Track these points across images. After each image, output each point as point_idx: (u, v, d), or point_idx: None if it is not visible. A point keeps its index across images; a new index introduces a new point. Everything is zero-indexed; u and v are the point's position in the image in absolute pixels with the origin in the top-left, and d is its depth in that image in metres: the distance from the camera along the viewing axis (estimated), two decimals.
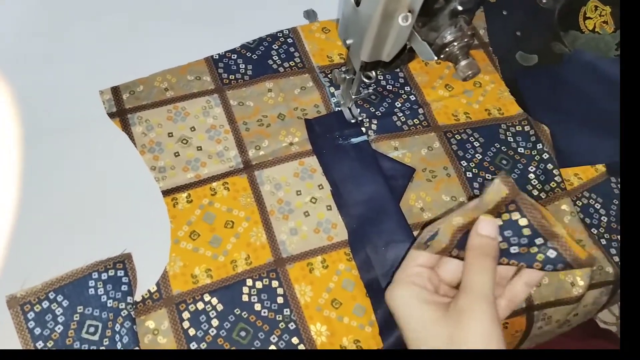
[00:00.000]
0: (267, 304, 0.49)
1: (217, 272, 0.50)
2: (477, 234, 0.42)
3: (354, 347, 0.48)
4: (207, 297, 0.49)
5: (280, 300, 0.49)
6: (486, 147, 0.58)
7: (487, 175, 0.57)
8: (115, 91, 0.57)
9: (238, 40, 0.62)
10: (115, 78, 0.58)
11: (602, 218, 0.56)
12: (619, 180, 0.58)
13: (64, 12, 0.62)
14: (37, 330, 0.45)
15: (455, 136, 0.58)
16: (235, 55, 0.61)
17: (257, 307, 0.49)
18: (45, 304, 0.46)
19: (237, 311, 0.48)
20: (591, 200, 0.57)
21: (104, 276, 0.48)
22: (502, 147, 0.58)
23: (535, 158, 0.58)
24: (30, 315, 0.46)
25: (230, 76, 0.59)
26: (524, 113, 0.60)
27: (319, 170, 0.55)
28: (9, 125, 0.55)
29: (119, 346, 0.45)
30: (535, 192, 0.56)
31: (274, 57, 0.61)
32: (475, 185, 0.56)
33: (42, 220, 0.51)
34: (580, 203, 0.56)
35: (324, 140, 0.56)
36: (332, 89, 0.60)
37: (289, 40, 0.62)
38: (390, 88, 0.61)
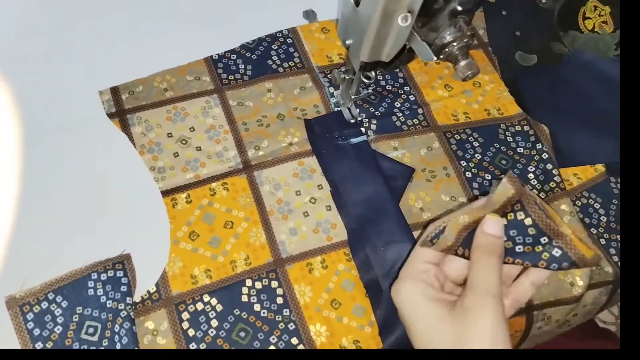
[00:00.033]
0: (266, 304, 0.49)
1: (217, 273, 0.50)
2: (483, 232, 0.42)
3: (353, 348, 0.48)
4: (206, 298, 0.49)
5: (279, 300, 0.49)
6: (485, 147, 0.58)
7: (486, 175, 0.57)
8: (115, 91, 0.57)
9: (237, 40, 0.61)
10: (115, 78, 0.58)
11: (601, 218, 0.56)
12: (619, 180, 0.58)
13: (64, 12, 0.62)
14: (37, 331, 0.45)
15: (455, 136, 0.58)
16: (235, 56, 0.61)
17: (257, 307, 0.49)
18: (45, 305, 0.46)
19: (237, 311, 0.48)
20: (590, 200, 0.57)
21: (103, 277, 0.48)
22: (502, 147, 0.58)
23: (535, 158, 0.58)
24: (30, 316, 0.45)
25: (230, 76, 0.59)
26: (523, 113, 0.60)
27: (318, 170, 0.55)
28: (9, 125, 0.55)
29: (118, 347, 0.45)
30: (535, 192, 0.56)
31: (273, 57, 0.61)
32: (475, 185, 0.56)
33: (41, 221, 0.51)
34: (580, 203, 0.56)
35: (324, 140, 0.56)
36: (331, 89, 0.59)
37: (289, 41, 0.62)
38: (390, 88, 0.61)
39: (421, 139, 0.58)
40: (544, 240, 0.42)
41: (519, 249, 0.42)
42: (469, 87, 0.61)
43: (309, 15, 0.64)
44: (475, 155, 0.57)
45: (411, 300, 0.42)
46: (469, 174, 0.56)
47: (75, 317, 0.46)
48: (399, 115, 0.59)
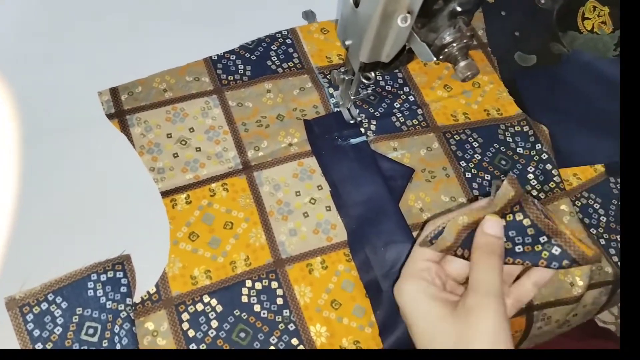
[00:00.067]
0: (266, 305, 0.49)
1: (217, 273, 0.50)
2: (483, 233, 0.42)
3: (353, 348, 0.48)
4: (206, 298, 0.48)
5: (279, 301, 0.49)
6: (485, 147, 0.58)
7: (486, 175, 0.57)
8: (114, 92, 0.57)
9: (237, 40, 0.61)
10: (115, 78, 0.58)
11: (601, 218, 0.56)
12: (618, 180, 0.58)
13: (64, 12, 0.62)
14: (36, 332, 0.45)
15: (454, 136, 0.58)
16: (234, 56, 0.61)
17: (257, 308, 0.49)
18: (44, 306, 0.46)
19: (237, 312, 0.48)
20: (590, 200, 0.57)
21: (103, 277, 0.48)
22: (501, 148, 0.58)
23: (534, 158, 0.58)
24: (29, 317, 0.45)
25: (229, 77, 0.59)
26: (522, 113, 0.60)
27: (318, 171, 0.55)
28: (9, 125, 0.55)
29: (118, 348, 0.45)
30: (535, 193, 0.56)
31: (272, 58, 0.61)
32: (475, 185, 0.56)
33: (41, 222, 0.51)
34: (579, 203, 0.57)
35: (323, 141, 0.56)
36: (331, 90, 0.59)
37: (288, 41, 0.62)
38: (389, 89, 0.61)
39: (421, 139, 0.58)
40: (543, 239, 0.42)
41: (519, 249, 0.43)
42: (468, 87, 0.61)
43: (308, 15, 0.64)
44: (475, 156, 0.57)
45: (412, 298, 0.42)
46: (468, 175, 0.56)
47: (75, 318, 0.46)
48: (398, 116, 0.59)
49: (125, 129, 0.55)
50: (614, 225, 0.56)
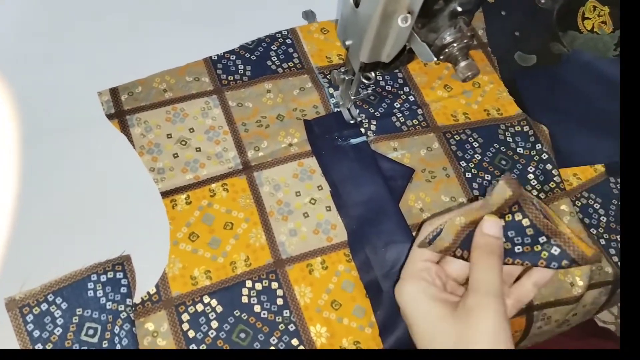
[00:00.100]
0: (266, 305, 0.49)
1: (217, 274, 0.50)
2: (482, 233, 0.42)
3: (353, 349, 0.48)
4: (206, 299, 0.48)
5: (279, 301, 0.49)
6: (485, 147, 0.58)
7: (486, 175, 0.57)
8: (114, 92, 0.57)
9: (237, 41, 0.61)
10: (115, 78, 0.57)
11: (601, 218, 0.56)
12: (618, 180, 0.58)
13: (64, 12, 0.62)
14: (36, 333, 0.45)
15: (455, 137, 0.58)
16: (234, 56, 0.61)
17: (257, 308, 0.49)
18: (44, 307, 0.46)
19: (237, 313, 0.48)
20: (590, 200, 0.57)
21: (103, 278, 0.47)
22: (501, 148, 0.58)
23: (535, 158, 0.58)
24: (29, 317, 0.45)
25: (229, 77, 0.59)
26: (522, 113, 0.60)
27: (318, 171, 0.55)
28: (9, 125, 0.55)
29: (118, 348, 0.45)
30: (535, 193, 0.56)
31: (272, 58, 0.61)
32: (475, 185, 0.56)
33: (41, 222, 0.50)
34: (580, 203, 0.57)
35: (323, 141, 0.56)
36: (331, 90, 0.59)
37: (288, 41, 0.62)
38: (389, 89, 0.61)
39: (421, 139, 0.58)
40: (542, 239, 0.42)
41: (518, 249, 0.43)
42: (468, 87, 0.61)
43: (308, 15, 0.64)
44: (475, 156, 0.57)
45: (413, 299, 0.42)
46: (468, 175, 0.56)
47: (75, 319, 0.46)
48: (398, 116, 0.59)
49: (125, 129, 0.55)
50: (614, 225, 0.56)
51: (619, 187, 0.58)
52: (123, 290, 0.47)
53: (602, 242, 0.55)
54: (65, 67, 0.58)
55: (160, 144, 0.55)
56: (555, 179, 0.57)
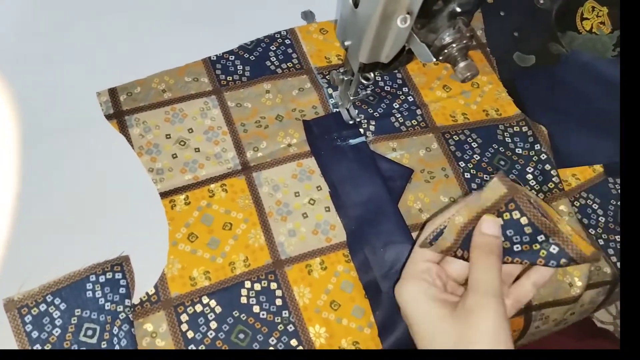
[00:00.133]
0: (265, 305, 0.49)
1: (216, 274, 0.49)
2: (481, 233, 0.42)
3: (352, 349, 0.48)
4: (205, 300, 0.48)
5: (279, 302, 0.49)
6: (484, 147, 0.58)
7: (485, 176, 0.57)
8: (113, 93, 0.57)
9: (235, 41, 0.61)
10: (115, 78, 0.57)
11: (599, 218, 0.56)
12: (617, 180, 0.58)
13: (64, 12, 0.62)
14: (35, 334, 0.45)
15: (453, 137, 0.58)
16: (233, 57, 0.60)
17: (256, 309, 0.49)
18: (43, 307, 0.46)
19: (236, 313, 0.48)
20: (589, 200, 0.57)
21: (102, 279, 0.47)
22: (500, 148, 0.58)
23: (533, 159, 0.58)
24: (28, 318, 0.45)
25: (228, 77, 0.59)
26: (521, 114, 0.60)
27: (317, 171, 0.55)
28: (9, 125, 0.54)
29: (117, 349, 0.45)
30: (533, 193, 0.56)
31: (271, 58, 0.61)
32: (474, 186, 0.56)
33: (39, 223, 0.50)
34: (578, 204, 0.57)
35: (322, 141, 0.56)
36: (330, 90, 0.59)
37: (287, 42, 0.62)
38: (388, 89, 0.61)
39: (420, 139, 0.58)
40: (541, 238, 0.42)
41: (517, 248, 0.43)
42: (467, 88, 0.61)
43: (307, 16, 0.64)
44: (474, 156, 0.57)
45: (413, 299, 0.42)
46: (467, 175, 0.56)
47: (74, 320, 0.46)
48: (397, 116, 0.59)
49: (124, 129, 0.55)
50: (612, 225, 0.56)
51: (617, 188, 0.58)
52: (122, 290, 0.47)
53: (601, 242, 0.55)
54: (65, 67, 0.58)
55: (159, 144, 0.55)
56: (554, 179, 0.57)
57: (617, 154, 0.56)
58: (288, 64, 0.61)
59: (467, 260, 0.43)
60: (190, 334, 0.47)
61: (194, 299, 0.48)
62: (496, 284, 0.40)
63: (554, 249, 0.42)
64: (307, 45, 0.62)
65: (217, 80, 0.59)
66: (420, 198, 0.55)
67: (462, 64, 0.46)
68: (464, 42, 0.46)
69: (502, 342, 0.38)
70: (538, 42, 0.63)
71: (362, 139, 0.56)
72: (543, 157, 0.58)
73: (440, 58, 0.48)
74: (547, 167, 0.57)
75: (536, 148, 0.58)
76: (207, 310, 0.48)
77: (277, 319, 0.48)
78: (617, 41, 0.59)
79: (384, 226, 0.52)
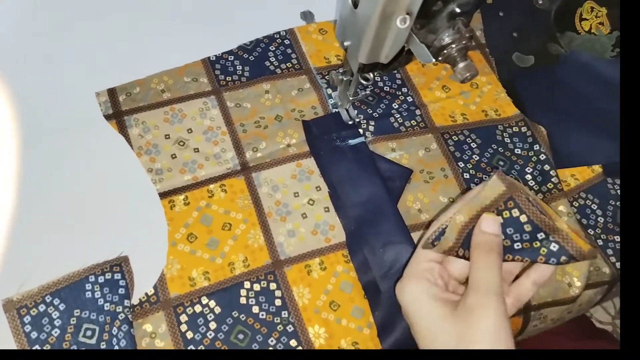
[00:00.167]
0: (265, 306, 0.49)
1: (215, 275, 0.49)
2: (481, 231, 0.42)
3: (352, 349, 0.48)
4: (204, 300, 0.48)
5: (278, 302, 0.49)
6: (483, 148, 0.58)
7: (484, 176, 0.57)
8: (112, 93, 0.57)
9: (235, 41, 0.61)
10: (115, 78, 0.57)
11: (598, 219, 0.56)
12: (616, 181, 0.58)
13: (64, 12, 0.62)
14: (34, 334, 0.45)
15: (453, 137, 0.58)
16: (232, 57, 0.60)
17: (255, 309, 0.49)
18: (42, 308, 0.46)
19: (235, 314, 0.48)
20: (588, 201, 0.57)
21: (101, 279, 0.47)
22: (499, 148, 0.58)
23: (532, 159, 0.58)
24: (27, 319, 0.45)
25: (227, 78, 0.59)
26: (520, 114, 0.61)
27: (316, 171, 0.55)
28: (9, 125, 0.54)
29: (116, 350, 0.45)
30: (533, 193, 0.56)
31: (271, 59, 0.61)
32: (473, 186, 0.56)
33: (39, 223, 0.50)
34: (577, 204, 0.57)
35: (322, 141, 0.56)
36: (329, 91, 0.59)
37: (286, 42, 0.62)
38: (388, 89, 0.61)
39: (419, 140, 0.58)
40: (541, 235, 0.42)
41: (517, 246, 0.43)
42: (466, 88, 0.61)
43: (307, 16, 0.64)
44: (473, 157, 0.57)
45: (415, 298, 0.42)
46: (466, 175, 0.56)
47: (73, 320, 0.46)
48: (396, 117, 0.59)
49: (123, 129, 0.55)
50: (611, 225, 0.56)
51: (616, 188, 0.58)
52: (121, 291, 0.47)
53: (600, 242, 0.55)
54: (65, 67, 0.58)
55: (158, 144, 0.55)
56: (553, 179, 0.57)
57: (616, 155, 0.57)
58: (287, 64, 0.61)
59: (467, 259, 0.43)
60: (189, 335, 0.47)
61: (193, 300, 0.48)
62: (497, 283, 0.40)
63: (554, 247, 0.42)
64: (306, 46, 0.62)
65: (216, 81, 0.59)
66: (419, 198, 0.55)
67: (461, 65, 0.47)
68: (464, 42, 0.46)
69: (502, 341, 0.38)
70: (537, 43, 0.63)
71: (362, 139, 0.56)
72: (542, 157, 0.58)
73: (440, 58, 0.48)
74: (546, 167, 0.57)
75: (535, 148, 0.58)
76: (206, 310, 0.48)
77: (277, 320, 0.48)
78: (616, 42, 0.59)
79: (383, 226, 0.52)
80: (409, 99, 0.60)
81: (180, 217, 0.51)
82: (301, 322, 0.48)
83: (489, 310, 0.39)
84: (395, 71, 0.61)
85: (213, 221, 0.52)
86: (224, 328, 0.48)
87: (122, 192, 0.52)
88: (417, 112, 0.59)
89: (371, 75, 0.52)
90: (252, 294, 0.49)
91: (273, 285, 0.50)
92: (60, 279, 0.47)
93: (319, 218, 0.53)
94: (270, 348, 0.47)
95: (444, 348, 0.40)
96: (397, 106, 0.60)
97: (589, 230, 0.55)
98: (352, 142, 0.56)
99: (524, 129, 0.60)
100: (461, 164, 0.57)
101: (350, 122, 0.58)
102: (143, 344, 0.46)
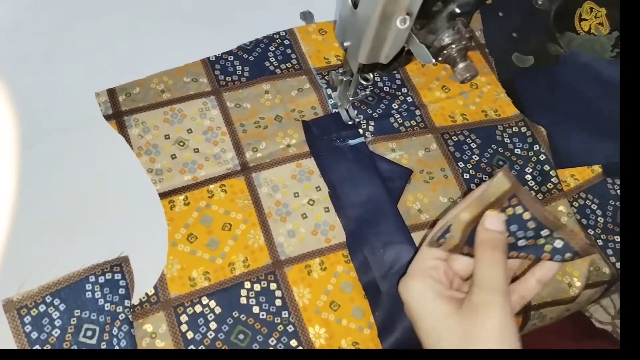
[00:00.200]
0: (265, 306, 0.49)
1: (215, 275, 0.49)
2: (485, 228, 0.42)
3: (352, 349, 0.48)
4: (205, 300, 0.48)
5: (278, 302, 0.49)
6: (483, 148, 0.58)
7: (484, 176, 0.57)
8: (111, 93, 0.57)
9: (234, 41, 0.61)
10: (115, 78, 0.57)
11: (598, 219, 0.56)
12: (615, 181, 0.58)
13: (64, 12, 0.62)
14: (34, 335, 0.45)
15: (452, 137, 0.58)
16: (232, 57, 0.60)
17: (256, 309, 0.49)
18: (42, 308, 0.46)
19: (236, 314, 0.48)
20: (587, 201, 0.57)
21: (101, 279, 0.47)
22: (499, 149, 0.58)
23: (532, 159, 0.58)
24: (27, 319, 0.45)
25: (227, 78, 0.59)
26: (520, 114, 0.61)
27: (316, 172, 0.55)
28: (9, 125, 0.54)
29: (116, 350, 0.45)
30: (532, 194, 0.56)
31: (270, 59, 0.61)
32: (473, 186, 0.56)
33: (38, 223, 0.50)
34: (577, 204, 0.57)
35: (322, 142, 0.56)
36: (329, 91, 0.59)
37: (286, 42, 0.62)
38: (387, 90, 0.61)
39: (419, 140, 0.58)
40: (545, 232, 0.42)
41: (522, 243, 0.43)
42: (466, 88, 0.62)
43: (306, 16, 0.64)
44: (473, 157, 0.58)
45: (419, 296, 0.42)
46: (466, 176, 0.56)
47: (73, 320, 0.46)
48: (396, 117, 0.59)
49: (122, 130, 0.55)
50: (611, 225, 0.56)
51: (616, 188, 0.58)
52: (121, 291, 0.47)
53: (600, 242, 0.55)
54: (65, 67, 0.58)
55: (158, 144, 0.55)
56: (552, 179, 0.57)
57: (616, 155, 0.57)
58: (287, 64, 0.61)
59: (472, 256, 0.43)
60: (190, 335, 0.47)
61: (193, 300, 0.48)
62: (502, 280, 0.40)
63: (558, 244, 0.42)
64: (306, 46, 0.62)
65: (216, 81, 0.59)
66: (419, 198, 0.55)
67: (461, 65, 0.47)
68: (464, 43, 0.46)
69: (508, 339, 0.38)
70: (536, 43, 0.63)
71: (361, 139, 0.56)
72: (542, 157, 0.58)
73: (440, 59, 0.48)
74: (546, 167, 0.57)
75: (535, 149, 0.58)
76: (206, 310, 0.48)
77: (277, 320, 0.48)
78: (615, 42, 0.59)
79: (383, 227, 0.52)
80: (409, 99, 0.60)
81: (181, 218, 0.51)
82: (301, 322, 0.48)
83: (495, 309, 0.38)
84: (395, 71, 0.62)
85: (213, 221, 0.52)
86: (225, 328, 0.48)
87: (122, 192, 0.52)
88: (417, 112, 0.59)
89: (371, 75, 0.52)
90: (252, 294, 0.49)
91: (273, 286, 0.50)
92: (61, 279, 0.47)
93: (319, 218, 0.53)
94: (271, 348, 0.47)
95: (448, 346, 0.39)
96: (396, 106, 0.60)
97: (589, 230, 0.56)
98: (352, 142, 0.56)
99: (523, 129, 0.60)
100: (461, 164, 0.57)
101: (350, 123, 0.58)
102: (143, 344, 0.46)
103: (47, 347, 0.45)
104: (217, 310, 0.48)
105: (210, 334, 0.47)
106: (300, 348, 0.48)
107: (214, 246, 0.51)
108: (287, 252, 0.51)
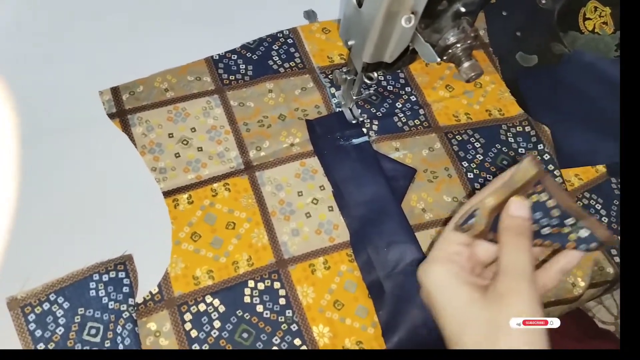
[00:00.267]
0: (269, 305, 0.49)
1: (219, 274, 0.49)
2: (509, 215, 0.41)
3: (356, 349, 0.48)
4: (208, 299, 0.48)
5: (282, 301, 0.49)
6: (487, 147, 0.58)
7: (488, 175, 0.57)
8: (115, 92, 0.57)
9: (238, 40, 0.61)
10: (115, 78, 0.57)
11: (602, 218, 0.56)
12: (619, 180, 0.58)
13: (64, 12, 0.62)
14: (38, 332, 0.45)
15: (456, 137, 0.58)
16: (236, 56, 0.60)
17: (259, 308, 0.49)
18: (46, 306, 0.46)
19: (239, 312, 0.48)
20: (592, 200, 0.57)
21: (105, 278, 0.47)
22: (503, 148, 0.58)
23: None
24: (31, 317, 0.45)
25: (231, 77, 0.59)
26: (524, 114, 0.61)
27: (320, 171, 0.55)
28: (9, 125, 0.54)
29: (120, 348, 0.45)
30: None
31: (274, 58, 0.61)
32: (477, 186, 0.56)
33: (42, 221, 0.50)
34: (581, 204, 0.57)
35: (325, 141, 0.56)
36: (332, 90, 0.59)
37: (289, 41, 0.62)
38: (391, 89, 0.61)
39: (423, 139, 0.58)
40: (570, 221, 0.41)
41: (545, 231, 0.42)
42: (470, 87, 0.61)
43: (310, 15, 0.64)
44: (477, 156, 0.57)
45: (441, 281, 0.41)
46: (470, 175, 0.56)
47: (77, 318, 0.46)
48: (400, 116, 0.59)
49: (126, 128, 0.55)
50: (615, 225, 0.56)
51: (620, 188, 0.58)
52: (125, 290, 0.47)
53: None
54: (65, 67, 0.58)
55: (161, 143, 0.55)
56: (557, 179, 0.57)
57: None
58: (290, 63, 0.61)
59: (496, 242, 0.42)
60: (193, 333, 0.47)
61: (197, 298, 0.48)
62: (527, 267, 0.39)
63: (584, 233, 0.40)
64: (309, 45, 0.62)
65: (219, 80, 0.59)
66: (423, 198, 0.55)
67: (466, 64, 0.46)
68: (469, 42, 0.46)
69: (536, 329, 0.37)
70: (540, 42, 0.63)
71: (365, 138, 0.56)
72: (546, 157, 0.58)
73: (445, 58, 0.47)
74: (550, 167, 0.57)
75: (539, 148, 0.58)
76: (210, 309, 0.48)
77: (281, 319, 0.48)
78: (620, 41, 0.59)
79: (387, 226, 0.52)
80: (413, 98, 0.60)
81: (184, 216, 0.51)
82: (305, 321, 0.48)
83: (521, 296, 0.37)
84: (399, 70, 0.61)
85: (217, 220, 0.52)
86: (228, 327, 0.48)
87: (126, 191, 0.53)
88: (421, 111, 0.59)
89: (375, 74, 0.52)
90: (256, 292, 0.49)
91: (277, 284, 0.50)
92: (64, 277, 0.47)
93: (323, 217, 0.53)
94: (275, 347, 0.47)
95: (473, 333, 0.38)
96: (400, 105, 0.59)
97: None
98: (355, 141, 0.56)
99: (527, 129, 0.60)
100: (465, 164, 0.57)
101: (353, 122, 0.58)
102: (147, 343, 0.46)
103: (51, 345, 0.45)
104: (221, 309, 0.48)
105: (214, 333, 0.47)
106: (304, 347, 0.48)
107: (217, 245, 0.51)
108: (291, 251, 0.51)
